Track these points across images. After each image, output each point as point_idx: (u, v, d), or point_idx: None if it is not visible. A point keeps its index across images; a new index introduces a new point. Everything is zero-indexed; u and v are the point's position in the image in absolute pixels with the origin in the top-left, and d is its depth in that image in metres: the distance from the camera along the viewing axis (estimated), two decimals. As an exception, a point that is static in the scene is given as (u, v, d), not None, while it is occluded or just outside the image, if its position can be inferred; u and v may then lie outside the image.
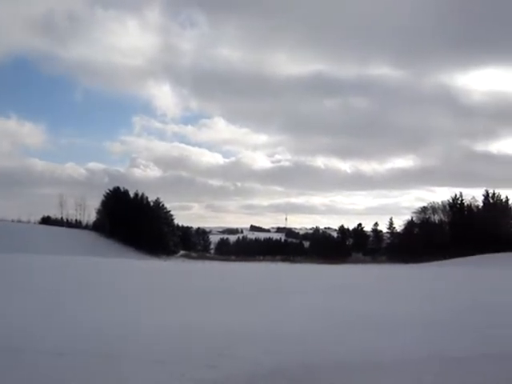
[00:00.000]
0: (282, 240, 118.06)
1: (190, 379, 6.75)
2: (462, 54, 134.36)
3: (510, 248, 56.83)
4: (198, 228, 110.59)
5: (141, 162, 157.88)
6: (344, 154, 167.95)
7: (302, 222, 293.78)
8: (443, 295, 19.53)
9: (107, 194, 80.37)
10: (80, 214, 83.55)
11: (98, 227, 78.53)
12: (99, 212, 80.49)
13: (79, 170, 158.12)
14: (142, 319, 11.69)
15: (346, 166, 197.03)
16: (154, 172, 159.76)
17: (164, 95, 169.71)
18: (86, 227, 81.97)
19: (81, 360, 7.58)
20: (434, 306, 15.33)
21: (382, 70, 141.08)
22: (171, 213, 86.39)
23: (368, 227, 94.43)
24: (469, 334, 10.51)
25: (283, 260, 75.97)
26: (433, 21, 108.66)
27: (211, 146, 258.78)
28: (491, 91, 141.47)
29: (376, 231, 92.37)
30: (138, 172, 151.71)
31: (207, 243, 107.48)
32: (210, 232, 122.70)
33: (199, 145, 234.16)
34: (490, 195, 71.86)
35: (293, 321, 12.04)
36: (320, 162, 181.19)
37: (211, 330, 10.36)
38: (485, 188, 72.87)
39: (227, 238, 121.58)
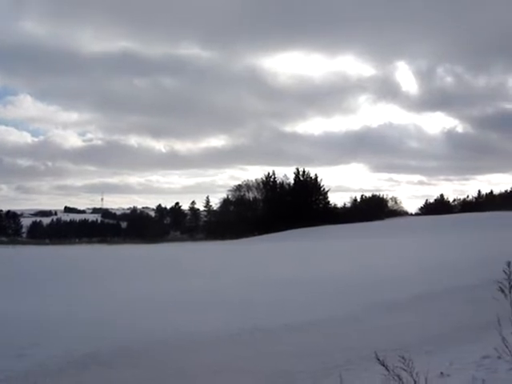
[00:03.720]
0: (99, 221, 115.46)
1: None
2: (267, 37, 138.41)
3: (319, 222, 60.83)
4: (9, 211, 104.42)
5: None
6: (158, 133, 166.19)
7: (118, 202, 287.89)
8: (256, 271, 20.13)
9: None
10: None
11: None
12: None
13: None
14: None
15: (160, 145, 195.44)
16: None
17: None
18: None
19: None
20: (248, 282, 15.95)
21: (193, 51, 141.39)
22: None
23: (185, 206, 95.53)
24: (275, 308, 11.24)
25: (100, 242, 74.29)
26: (240, 2, 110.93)
27: (18, 124, 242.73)
28: (297, 74, 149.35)
29: (193, 209, 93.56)
30: None
31: (19, 227, 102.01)
32: (21, 215, 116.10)
33: (5, 123, 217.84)
34: (301, 173, 75.73)
35: (107, 305, 11.97)
36: (133, 141, 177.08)
37: (18, 318, 10.02)
38: (295, 166, 76.77)
39: (40, 221, 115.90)
